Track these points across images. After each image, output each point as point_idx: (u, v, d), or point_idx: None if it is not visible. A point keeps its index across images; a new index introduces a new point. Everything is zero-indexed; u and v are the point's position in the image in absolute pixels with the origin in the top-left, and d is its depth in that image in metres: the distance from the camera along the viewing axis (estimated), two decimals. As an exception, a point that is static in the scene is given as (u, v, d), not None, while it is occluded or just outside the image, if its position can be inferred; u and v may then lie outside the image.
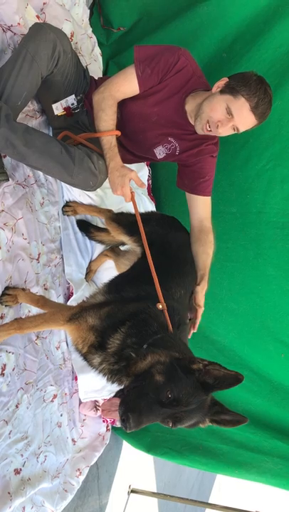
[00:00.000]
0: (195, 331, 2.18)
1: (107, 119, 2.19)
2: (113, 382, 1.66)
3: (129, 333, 1.64)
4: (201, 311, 2.19)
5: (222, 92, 2.10)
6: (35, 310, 2.20)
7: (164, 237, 2.26)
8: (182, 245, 2.33)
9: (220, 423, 1.52)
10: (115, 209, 2.62)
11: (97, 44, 2.97)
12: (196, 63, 2.25)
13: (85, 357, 1.76)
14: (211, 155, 2.42)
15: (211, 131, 2.15)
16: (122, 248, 2.78)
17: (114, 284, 2.02)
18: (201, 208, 2.43)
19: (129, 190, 2.15)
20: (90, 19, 2.93)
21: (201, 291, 2.22)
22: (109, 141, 2.19)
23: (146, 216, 2.33)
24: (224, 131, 2.13)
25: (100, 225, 2.78)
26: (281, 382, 2.97)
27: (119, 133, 2.24)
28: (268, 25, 2.61)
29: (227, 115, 2.07)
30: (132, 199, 2.17)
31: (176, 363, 1.48)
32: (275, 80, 2.50)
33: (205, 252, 2.33)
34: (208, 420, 1.52)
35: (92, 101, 2.23)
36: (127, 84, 2.20)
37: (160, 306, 1.74)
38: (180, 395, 1.40)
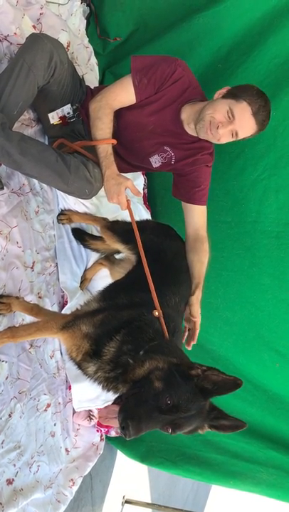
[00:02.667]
0: (195, 342, 2.18)
1: (103, 127, 2.20)
2: (109, 390, 1.65)
3: (124, 340, 1.63)
4: (198, 321, 2.19)
5: (224, 97, 2.13)
6: (29, 318, 2.19)
7: (159, 246, 2.26)
8: (177, 254, 2.33)
9: (219, 428, 1.52)
10: (110, 217, 2.62)
11: (93, 54, 2.98)
12: (193, 74, 2.28)
13: (80, 365, 1.74)
14: (207, 165, 2.43)
15: (212, 133, 2.13)
16: (117, 256, 2.78)
17: (108, 292, 2.02)
18: (196, 217, 2.44)
19: (124, 198, 2.16)
20: (86, 29, 2.96)
21: (196, 302, 2.22)
22: (105, 149, 2.20)
23: (141, 224, 2.33)
24: (224, 133, 2.11)
25: (95, 234, 2.78)
26: (276, 391, 2.96)
27: (115, 141, 2.26)
28: (263, 36, 2.64)
29: (228, 118, 2.07)
30: (128, 207, 2.18)
31: (174, 369, 1.47)
32: (270, 91, 2.50)
33: (200, 260, 2.34)
34: (207, 426, 1.52)
35: (89, 109, 2.25)
36: (124, 94, 2.22)
37: (156, 313, 1.74)
38: (179, 401, 1.40)
